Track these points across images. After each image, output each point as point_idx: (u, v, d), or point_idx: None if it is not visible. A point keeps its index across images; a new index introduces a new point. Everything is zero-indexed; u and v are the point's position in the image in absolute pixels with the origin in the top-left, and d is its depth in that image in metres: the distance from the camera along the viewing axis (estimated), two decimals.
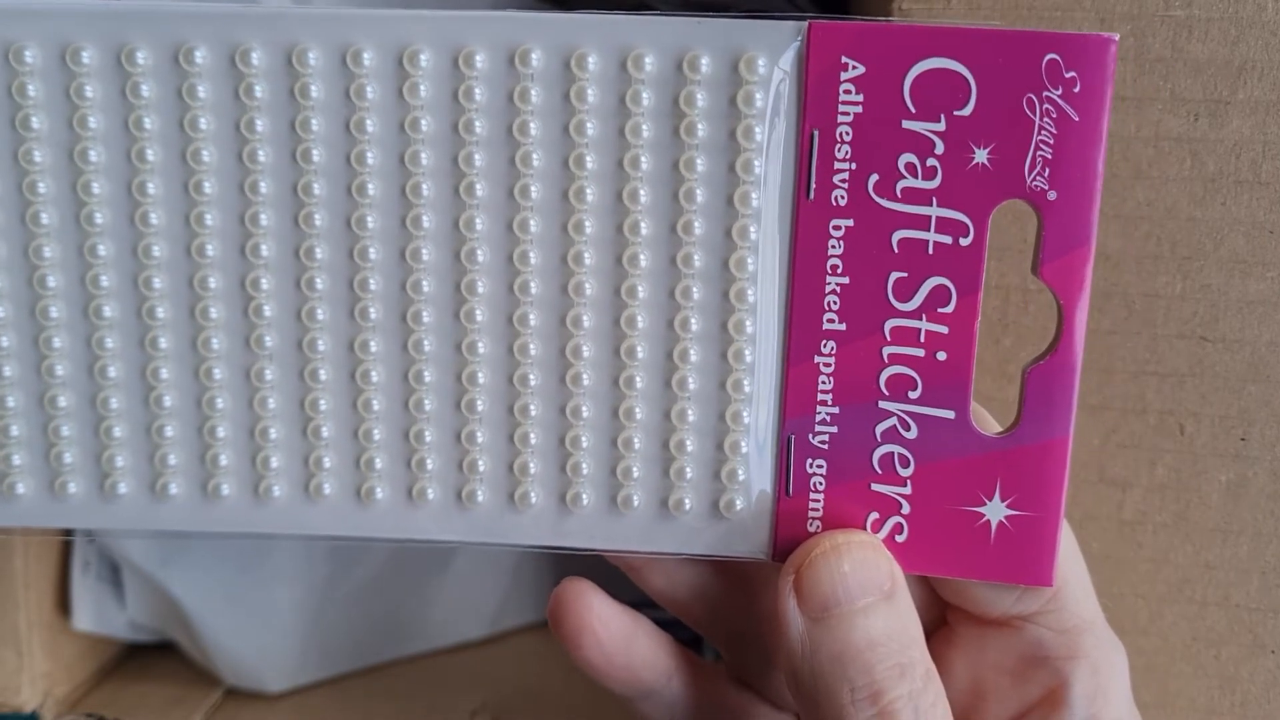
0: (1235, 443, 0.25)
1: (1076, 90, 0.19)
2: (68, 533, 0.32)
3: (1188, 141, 0.24)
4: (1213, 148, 0.24)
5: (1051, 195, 0.19)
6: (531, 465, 0.21)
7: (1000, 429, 0.21)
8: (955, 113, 0.19)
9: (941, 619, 0.23)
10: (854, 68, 0.19)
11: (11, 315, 0.21)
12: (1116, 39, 0.19)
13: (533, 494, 0.21)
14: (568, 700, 0.35)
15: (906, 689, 0.19)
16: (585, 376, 0.21)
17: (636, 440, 0.21)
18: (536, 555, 0.38)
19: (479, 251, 0.20)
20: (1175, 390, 0.25)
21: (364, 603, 0.36)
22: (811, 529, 0.21)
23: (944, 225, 0.20)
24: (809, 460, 0.21)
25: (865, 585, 0.19)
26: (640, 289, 0.20)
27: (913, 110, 0.19)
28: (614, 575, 0.24)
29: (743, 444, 0.21)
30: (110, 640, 0.36)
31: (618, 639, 0.22)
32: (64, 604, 0.34)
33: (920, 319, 0.20)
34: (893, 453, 0.20)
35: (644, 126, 0.20)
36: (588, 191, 0.20)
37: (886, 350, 0.20)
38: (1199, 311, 0.25)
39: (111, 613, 0.35)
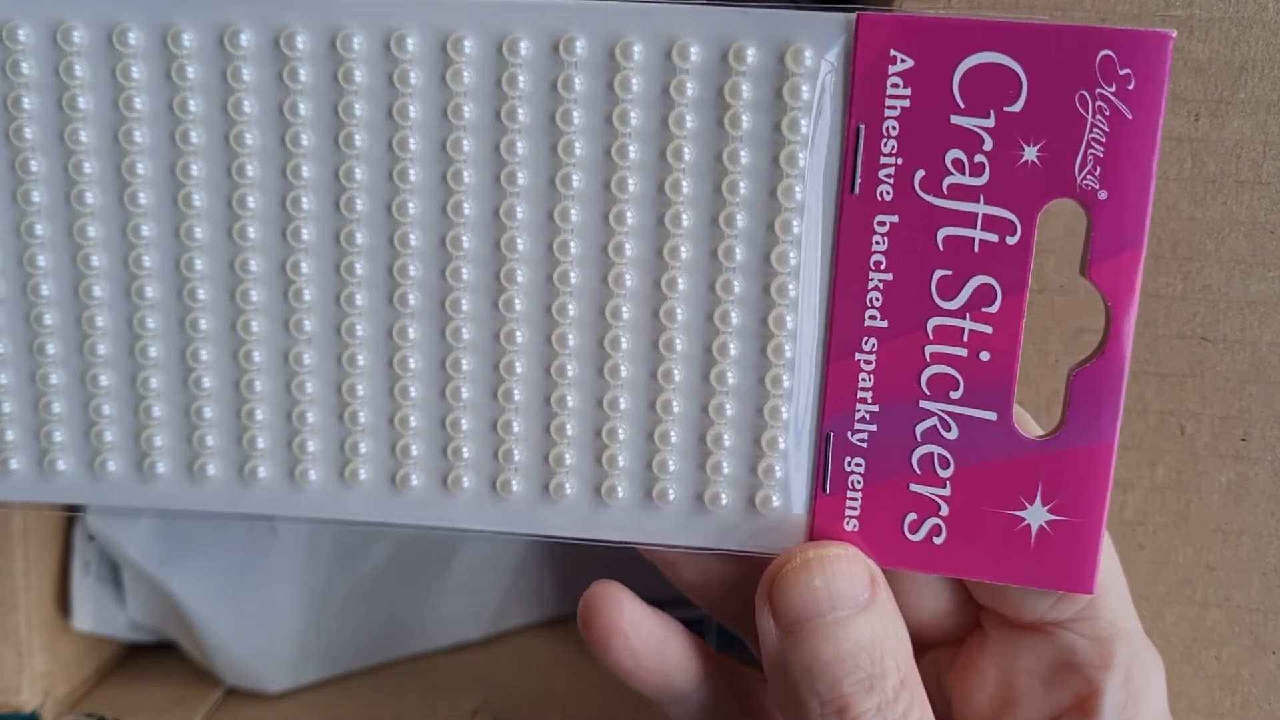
0: (1236, 443, 0.27)
1: (1131, 87, 0.21)
2: (70, 509, 0.34)
3: (1188, 141, 0.26)
4: (1213, 148, 0.26)
5: (1102, 195, 0.21)
6: (567, 456, 0.23)
7: (1042, 432, 0.22)
8: (1005, 108, 0.21)
9: (975, 621, 0.24)
10: (902, 61, 0.21)
11: (55, 294, 0.22)
12: (1174, 35, 0.21)
13: (568, 485, 0.23)
14: (568, 700, 0.36)
15: (875, 702, 0.21)
16: (623, 368, 0.23)
17: (673, 434, 0.23)
18: (538, 555, 0.40)
19: (519, 240, 0.22)
20: (1175, 391, 0.27)
21: (364, 603, 0.38)
22: (849, 528, 0.23)
23: (990, 223, 0.21)
24: (847, 458, 0.22)
25: (837, 599, 0.21)
26: (680, 281, 0.22)
27: (961, 105, 0.21)
28: (625, 578, 0.26)
29: (781, 440, 0.23)
30: (110, 640, 0.38)
31: (649, 643, 0.24)
32: (64, 604, 0.35)
33: (964, 318, 0.22)
34: (932, 453, 0.22)
35: (687, 117, 0.22)
36: (629, 182, 0.22)
37: (929, 349, 0.22)
38: (1199, 312, 0.26)
39: (111, 613, 0.37)
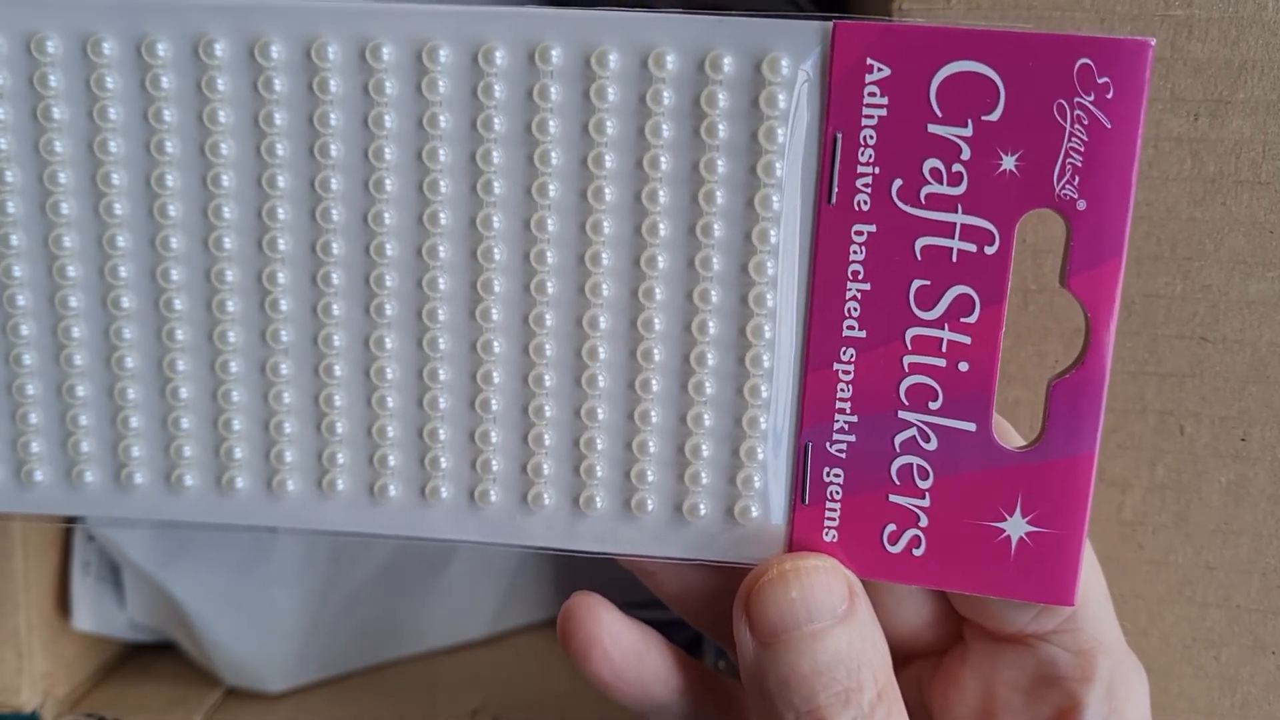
0: (1235, 443, 0.27)
1: (1110, 96, 0.20)
2: (70, 520, 0.35)
3: (1188, 141, 0.26)
4: (1213, 148, 0.26)
5: (1081, 205, 0.21)
6: (545, 466, 0.23)
7: (1023, 442, 0.22)
8: (983, 117, 0.21)
9: (957, 633, 0.24)
10: (879, 69, 0.21)
11: (31, 304, 0.23)
12: (1153, 43, 0.20)
13: (546, 495, 0.23)
14: (568, 700, 0.37)
15: (850, 716, 0.21)
16: (601, 378, 0.23)
17: (651, 444, 0.23)
18: (538, 556, 0.40)
19: (496, 250, 0.22)
20: (1175, 390, 0.27)
21: (364, 603, 0.38)
22: (828, 539, 0.23)
23: (969, 233, 0.21)
24: (826, 469, 0.22)
25: (814, 611, 0.21)
26: (658, 291, 0.22)
27: (939, 114, 0.21)
28: (617, 578, 0.26)
29: (759, 450, 0.23)
30: (110, 640, 0.38)
31: (628, 655, 0.24)
32: (64, 604, 0.36)
33: (942, 328, 0.22)
34: (911, 464, 0.22)
35: (664, 126, 0.22)
36: (606, 191, 0.22)
37: (907, 359, 0.22)
38: (1199, 312, 0.27)
39: (111, 613, 0.37)
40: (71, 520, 0.35)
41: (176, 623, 0.37)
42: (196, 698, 0.37)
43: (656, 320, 0.22)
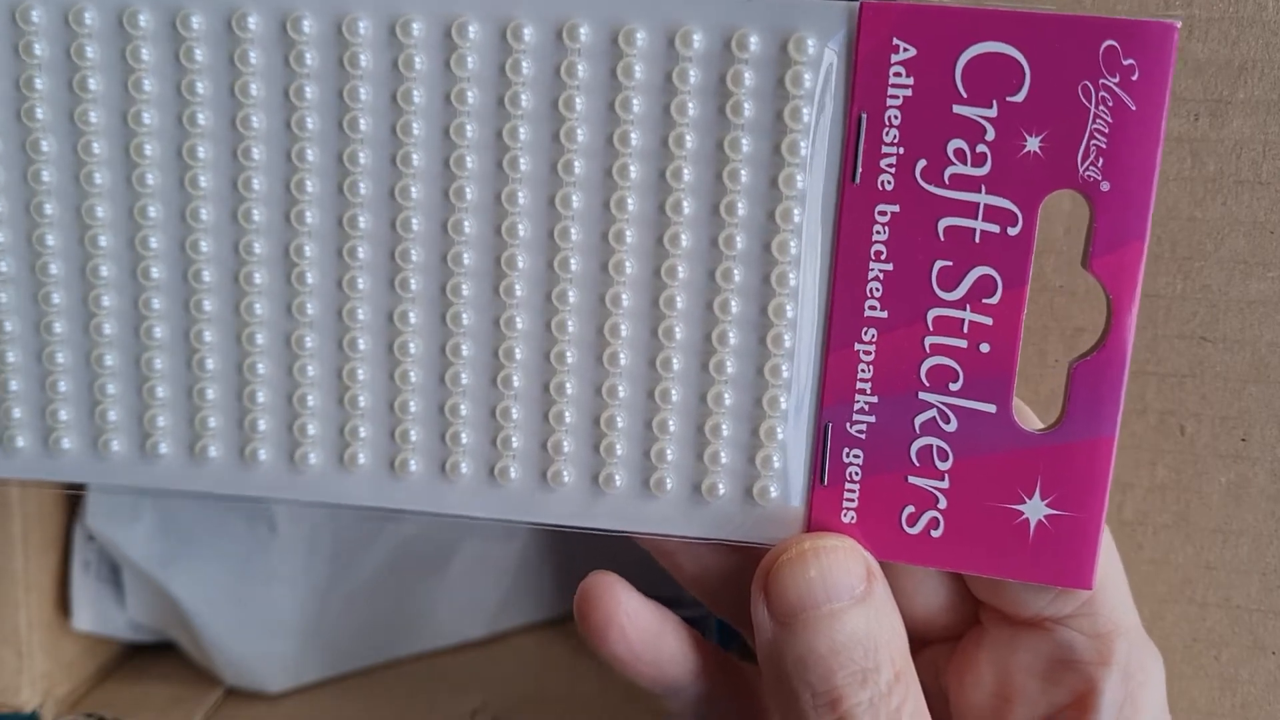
0: (1236, 443, 0.27)
1: (1135, 78, 0.21)
2: (71, 487, 0.35)
3: (1188, 141, 0.26)
4: (1213, 148, 0.26)
5: (1105, 186, 0.21)
6: (565, 444, 0.23)
7: (1042, 425, 0.22)
8: (1008, 98, 0.21)
9: (974, 617, 0.24)
10: (905, 50, 0.21)
11: (62, 274, 0.23)
12: (1179, 25, 0.21)
13: (565, 473, 0.23)
14: (568, 700, 0.37)
15: (867, 695, 0.21)
16: (622, 356, 0.23)
17: (671, 423, 0.23)
18: (538, 555, 0.40)
19: (520, 226, 0.23)
20: (1175, 390, 0.27)
21: (364, 602, 0.38)
22: (846, 520, 0.23)
23: (992, 214, 0.22)
24: (846, 449, 0.23)
25: (832, 591, 0.21)
26: (680, 269, 0.23)
27: (964, 95, 0.21)
28: (621, 571, 0.26)
29: (779, 430, 0.23)
30: (110, 640, 0.38)
31: (645, 634, 0.24)
32: (64, 604, 0.36)
33: (964, 309, 0.22)
34: (931, 445, 0.22)
35: (690, 104, 0.22)
36: (631, 169, 0.22)
37: (928, 340, 0.22)
38: (1199, 312, 0.27)
39: (111, 613, 0.37)
40: (76, 488, 0.35)
41: (176, 622, 0.37)
42: (196, 698, 0.37)
43: (678, 298, 0.23)
